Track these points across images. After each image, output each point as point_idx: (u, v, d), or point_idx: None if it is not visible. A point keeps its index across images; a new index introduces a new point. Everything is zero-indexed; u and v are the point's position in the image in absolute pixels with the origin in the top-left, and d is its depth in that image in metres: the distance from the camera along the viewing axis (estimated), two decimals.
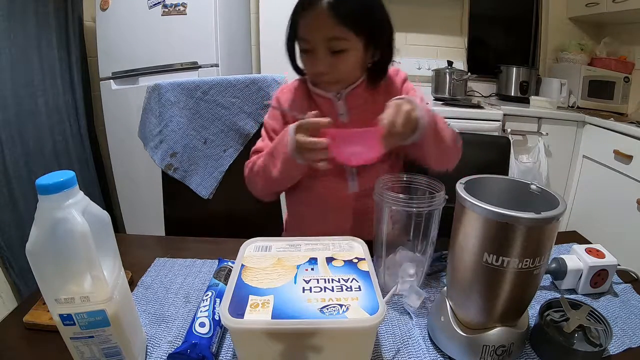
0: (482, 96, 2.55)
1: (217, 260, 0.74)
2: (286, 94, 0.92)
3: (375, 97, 0.87)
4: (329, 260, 0.60)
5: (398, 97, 0.72)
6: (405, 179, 0.74)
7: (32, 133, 1.66)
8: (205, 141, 1.16)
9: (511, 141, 1.26)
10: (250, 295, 0.51)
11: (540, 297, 0.67)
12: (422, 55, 2.50)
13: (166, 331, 0.61)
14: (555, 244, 0.51)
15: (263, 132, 0.94)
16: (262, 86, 1.14)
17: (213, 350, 0.55)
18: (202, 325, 0.56)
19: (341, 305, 0.49)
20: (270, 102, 0.98)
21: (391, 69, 0.90)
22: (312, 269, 0.58)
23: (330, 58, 0.78)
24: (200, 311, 0.59)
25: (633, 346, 0.58)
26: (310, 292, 0.52)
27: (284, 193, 0.99)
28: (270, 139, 0.90)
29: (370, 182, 0.78)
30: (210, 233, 0.93)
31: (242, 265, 0.58)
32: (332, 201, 0.90)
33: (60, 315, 0.46)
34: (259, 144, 0.93)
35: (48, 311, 0.49)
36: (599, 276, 0.69)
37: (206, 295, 0.62)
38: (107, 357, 0.50)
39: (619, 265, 0.71)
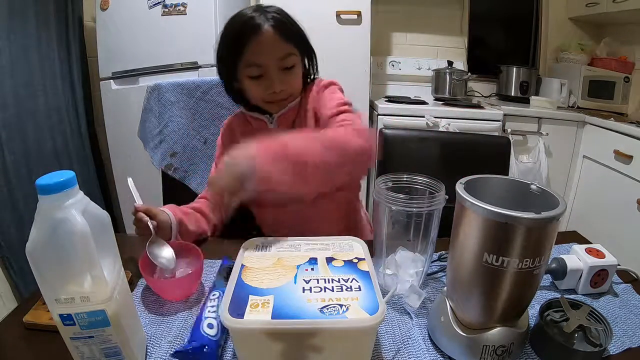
0: (482, 96, 2.55)
1: (216, 260, 0.74)
2: (226, 131, 0.98)
3: (302, 119, 0.90)
4: (329, 260, 0.60)
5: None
6: (405, 179, 0.74)
7: (32, 133, 1.66)
8: (205, 141, 1.16)
9: (511, 141, 1.25)
10: (250, 295, 0.51)
11: (540, 297, 0.67)
12: (422, 55, 2.50)
13: (166, 331, 0.61)
14: (555, 244, 0.51)
15: (213, 166, 0.99)
16: None
17: (219, 353, 0.54)
18: (210, 326, 0.55)
19: (341, 305, 0.49)
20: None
21: (316, 81, 0.93)
22: (312, 269, 0.58)
23: (282, 75, 0.83)
24: (208, 311, 0.58)
25: (633, 346, 0.58)
26: (310, 292, 0.52)
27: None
28: (217, 165, 0.96)
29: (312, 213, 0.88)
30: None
31: (242, 265, 0.58)
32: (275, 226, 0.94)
33: (60, 315, 0.46)
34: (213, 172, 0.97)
35: (48, 311, 0.49)
36: (599, 276, 0.69)
37: (213, 295, 0.62)
38: (107, 357, 0.50)
39: (619, 265, 0.71)
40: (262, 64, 0.81)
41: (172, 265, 0.71)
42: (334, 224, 0.95)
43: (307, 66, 0.91)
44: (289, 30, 0.82)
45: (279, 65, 0.82)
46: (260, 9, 0.82)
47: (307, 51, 0.89)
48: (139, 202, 0.77)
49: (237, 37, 0.80)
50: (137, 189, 0.79)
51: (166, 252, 0.72)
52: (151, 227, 0.73)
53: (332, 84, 0.92)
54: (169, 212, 0.80)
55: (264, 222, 1.01)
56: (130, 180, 0.78)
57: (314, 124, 0.89)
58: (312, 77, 0.94)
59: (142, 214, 0.75)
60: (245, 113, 0.94)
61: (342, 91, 0.92)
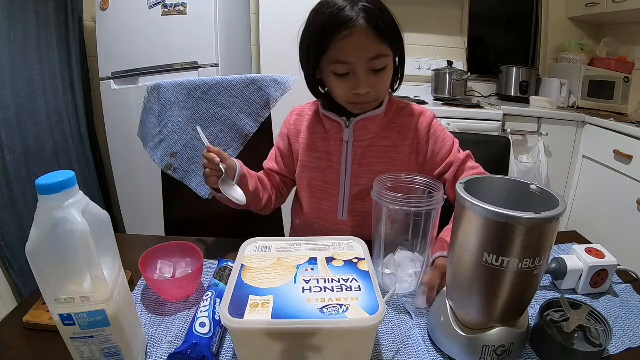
0: (482, 96, 2.55)
1: (217, 260, 0.74)
2: (295, 116, 0.94)
3: (386, 134, 0.85)
4: (329, 260, 0.60)
5: (439, 256, 0.68)
6: (403, 178, 0.74)
7: (32, 133, 1.66)
8: None
9: (511, 141, 1.26)
10: (250, 295, 0.51)
11: (540, 297, 0.67)
12: (422, 55, 2.50)
13: (166, 331, 0.61)
14: (555, 244, 0.51)
15: (273, 150, 0.98)
16: (262, 86, 1.14)
17: (213, 350, 0.55)
18: (202, 325, 0.56)
19: (341, 305, 0.49)
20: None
21: (412, 107, 0.88)
22: (312, 269, 0.58)
23: (371, 78, 0.76)
24: (201, 311, 0.59)
25: (633, 346, 0.58)
26: (310, 292, 0.52)
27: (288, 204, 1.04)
28: (275, 157, 0.96)
29: (359, 211, 0.87)
30: (210, 233, 0.93)
31: (242, 265, 0.58)
32: (322, 227, 0.92)
33: (60, 315, 0.46)
34: (267, 162, 0.97)
35: (48, 311, 0.49)
36: (599, 276, 0.69)
37: (206, 296, 0.62)
38: (107, 357, 0.50)
39: (619, 265, 0.71)
40: (349, 62, 0.74)
41: (244, 202, 0.76)
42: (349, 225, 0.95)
43: (396, 66, 0.81)
44: (384, 27, 0.72)
45: (368, 66, 0.74)
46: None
47: (400, 50, 0.79)
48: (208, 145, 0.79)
49: (324, 29, 0.72)
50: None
51: (237, 190, 0.77)
52: (222, 167, 0.75)
53: (432, 114, 0.87)
54: (237, 163, 0.80)
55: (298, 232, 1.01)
56: (198, 128, 0.83)
57: (406, 154, 0.85)
58: (398, 81, 0.85)
59: (214, 155, 0.75)
60: (320, 110, 0.88)
61: None
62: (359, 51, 0.72)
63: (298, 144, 0.91)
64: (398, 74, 0.83)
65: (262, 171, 0.97)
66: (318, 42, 0.74)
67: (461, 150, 0.86)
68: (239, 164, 0.81)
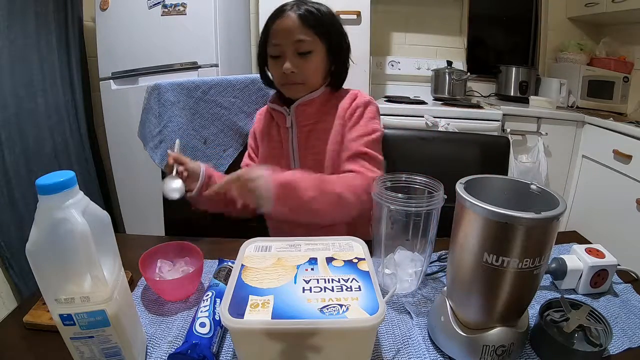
0: (482, 96, 2.55)
1: (217, 260, 0.74)
2: (258, 116, 1.06)
3: (325, 117, 0.92)
4: (329, 260, 0.60)
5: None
6: (404, 178, 0.74)
7: (32, 133, 1.66)
8: (205, 141, 1.16)
9: (511, 141, 1.25)
10: (250, 295, 0.51)
11: (540, 297, 0.67)
12: (422, 55, 2.50)
13: (166, 331, 0.61)
14: (555, 244, 0.51)
15: (246, 151, 1.06)
16: (262, 86, 1.14)
17: (214, 350, 0.55)
18: (202, 325, 0.56)
19: (341, 305, 0.49)
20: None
21: (353, 91, 0.95)
22: (312, 269, 0.58)
23: (297, 59, 0.87)
24: (201, 311, 0.59)
25: (633, 346, 0.58)
26: (310, 292, 0.52)
27: None
28: (249, 155, 1.05)
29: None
30: (210, 233, 0.93)
31: (242, 265, 0.58)
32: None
33: (60, 315, 0.46)
34: (242, 163, 1.05)
35: (48, 311, 0.49)
36: (599, 276, 0.69)
37: (206, 296, 0.62)
38: (107, 357, 0.50)
39: (619, 265, 0.71)
40: (278, 43, 0.87)
41: (176, 195, 0.83)
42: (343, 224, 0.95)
43: (330, 61, 0.92)
44: (314, 20, 0.86)
45: (294, 48, 0.86)
46: (301, 0, 0.88)
47: (332, 46, 0.91)
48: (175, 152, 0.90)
49: (267, 20, 0.89)
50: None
51: (174, 183, 0.84)
52: (175, 169, 0.86)
53: (371, 103, 0.94)
54: (202, 165, 0.91)
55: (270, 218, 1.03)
56: (178, 141, 0.92)
57: (338, 132, 0.91)
58: (336, 73, 0.94)
59: (171, 159, 0.87)
60: (269, 105, 0.98)
61: (379, 113, 0.94)
62: (286, 33, 0.86)
63: (261, 139, 1.00)
64: (333, 68, 0.93)
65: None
66: (263, 31, 0.90)
67: (373, 149, 0.88)
68: (204, 167, 0.90)
